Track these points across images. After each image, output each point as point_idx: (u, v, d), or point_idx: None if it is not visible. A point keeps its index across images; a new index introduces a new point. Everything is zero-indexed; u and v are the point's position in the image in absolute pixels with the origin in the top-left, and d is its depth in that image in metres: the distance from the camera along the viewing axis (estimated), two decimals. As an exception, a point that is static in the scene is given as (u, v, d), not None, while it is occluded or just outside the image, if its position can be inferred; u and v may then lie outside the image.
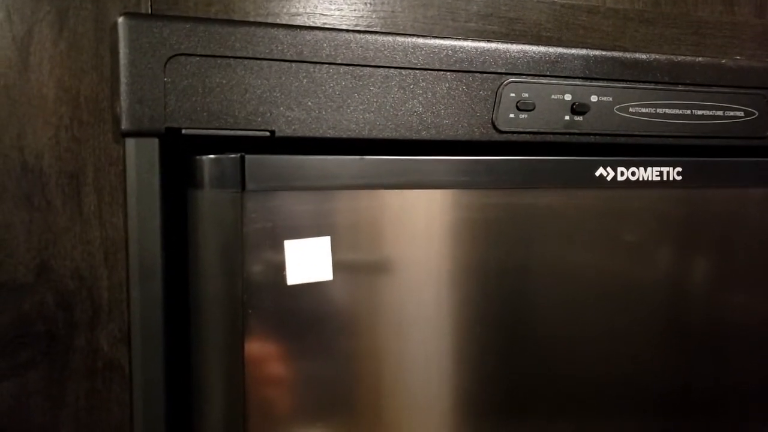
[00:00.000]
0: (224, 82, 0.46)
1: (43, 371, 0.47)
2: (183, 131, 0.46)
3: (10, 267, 0.46)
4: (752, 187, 0.60)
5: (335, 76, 0.49)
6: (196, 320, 0.49)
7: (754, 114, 0.60)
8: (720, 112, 0.59)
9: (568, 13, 0.61)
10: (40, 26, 0.45)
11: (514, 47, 0.53)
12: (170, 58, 0.45)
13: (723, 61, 0.59)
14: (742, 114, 0.60)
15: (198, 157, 0.47)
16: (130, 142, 0.45)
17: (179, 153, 0.48)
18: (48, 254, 0.46)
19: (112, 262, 0.47)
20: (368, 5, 0.56)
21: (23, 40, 0.45)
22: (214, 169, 0.46)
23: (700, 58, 0.59)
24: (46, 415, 0.47)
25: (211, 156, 0.46)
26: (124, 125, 0.45)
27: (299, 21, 0.54)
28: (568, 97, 0.55)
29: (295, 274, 0.47)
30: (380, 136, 0.50)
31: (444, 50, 0.51)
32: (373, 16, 0.56)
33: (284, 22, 0.53)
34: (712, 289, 0.60)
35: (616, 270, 0.56)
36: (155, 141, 0.46)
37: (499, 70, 0.53)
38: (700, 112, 0.59)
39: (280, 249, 0.47)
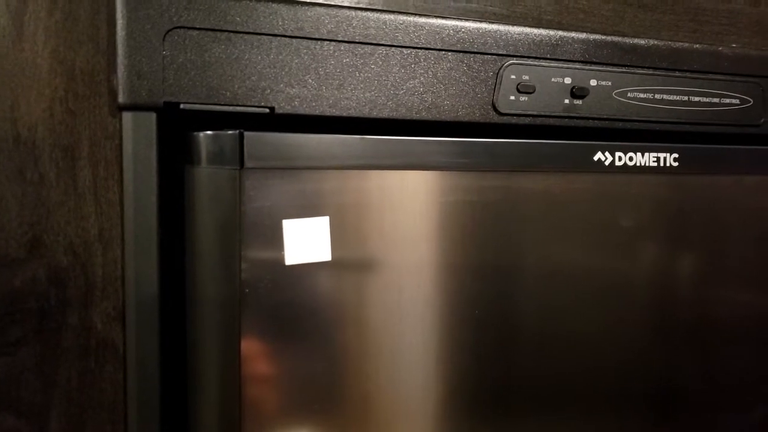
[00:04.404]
0: (224, 56, 0.46)
1: (35, 349, 0.46)
2: (181, 106, 0.45)
3: (2, 242, 0.45)
4: (747, 174, 0.60)
5: (336, 53, 0.48)
6: (192, 300, 0.48)
7: (749, 102, 0.61)
8: (716, 99, 0.60)
9: (568, -3, 0.61)
10: (35, -5, 0.44)
11: (515, 29, 0.53)
12: (169, 30, 0.44)
13: (720, 48, 0.60)
14: (737, 101, 0.60)
15: (196, 133, 0.46)
16: (127, 116, 0.44)
17: (177, 128, 0.47)
18: (40, 229, 0.45)
19: (107, 239, 0.46)
20: (368, -16, 0.55)
21: (17, 9, 0.44)
22: (212, 146, 0.46)
23: (697, 45, 0.59)
24: (37, 394, 0.46)
25: (210, 132, 0.45)
26: (121, 98, 0.44)
27: (300, -3, 0.53)
28: (567, 80, 0.54)
29: (294, 255, 0.47)
30: (380, 115, 0.50)
31: (445, 30, 0.51)
32: (375, -6, 0.55)
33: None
34: (705, 276, 0.60)
35: (613, 256, 0.56)
36: (153, 115, 0.45)
37: (500, 52, 0.52)
38: (696, 99, 0.59)
39: (279, 228, 0.46)
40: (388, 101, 0.50)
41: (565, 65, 0.54)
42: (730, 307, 0.61)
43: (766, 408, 0.63)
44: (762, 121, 0.61)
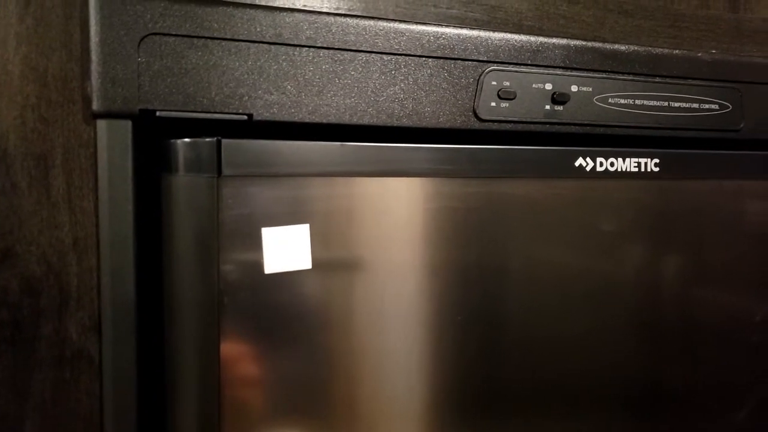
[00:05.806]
0: (201, 63, 0.45)
1: (7, 360, 0.45)
2: (157, 113, 0.44)
3: (-27, 252, 0.44)
4: (727, 179, 0.60)
5: (315, 60, 0.48)
6: (169, 310, 0.47)
7: (728, 107, 0.61)
8: (696, 105, 0.60)
9: (549, 3, 0.61)
10: (5, 0, 0.43)
11: (496, 35, 0.53)
12: (144, 37, 0.43)
13: (699, 54, 0.60)
14: (716, 107, 0.61)
15: (173, 140, 0.45)
16: (102, 124, 0.44)
17: (153, 136, 0.47)
18: (13, 239, 0.44)
19: (81, 248, 0.46)
20: (349, -12, 0.55)
21: (-13, 14, 0.43)
22: (189, 153, 0.45)
23: (677, 51, 0.59)
24: (10, 406, 0.45)
25: (187, 140, 0.45)
26: (96, 106, 0.43)
27: (279, 2, 0.52)
28: (548, 86, 0.54)
29: (273, 263, 0.46)
30: (360, 122, 0.49)
31: (426, 36, 0.51)
32: (355, 0, 0.55)
33: (264, 3, 0.52)
34: (686, 279, 0.61)
35: (595, 261, 0.57)
36: (128, 123, 0.44)
37: (480, 58, 0.52)
38: (676, 104, 0.59)
39: (258, 237, 0.46)
40: (368, 108, 0.49)
41: (546, 71, 0.54)
42: (712, 309, 0.62)
43: (751, 409, 0.64)
44: (741, 126, 0.62)
